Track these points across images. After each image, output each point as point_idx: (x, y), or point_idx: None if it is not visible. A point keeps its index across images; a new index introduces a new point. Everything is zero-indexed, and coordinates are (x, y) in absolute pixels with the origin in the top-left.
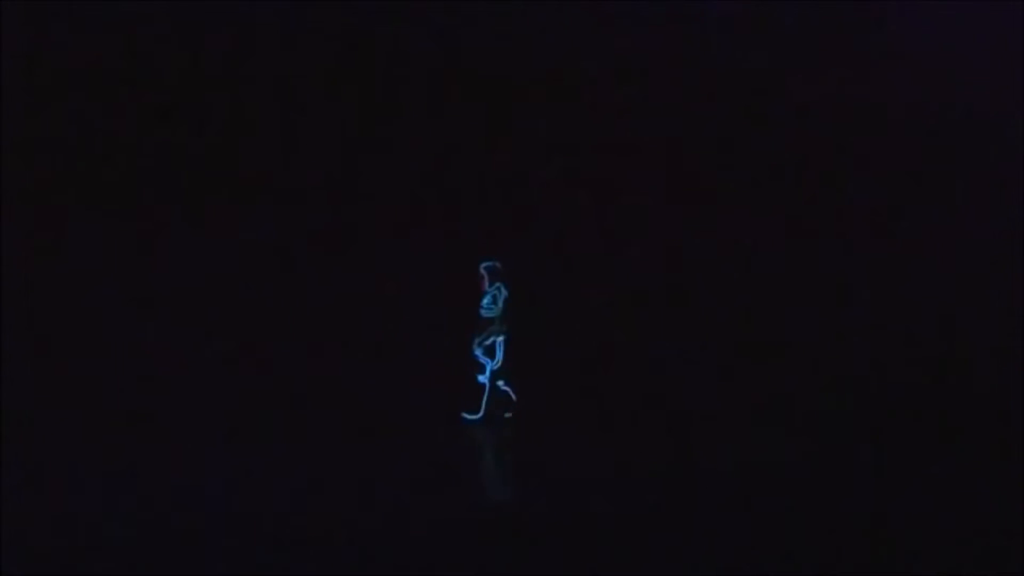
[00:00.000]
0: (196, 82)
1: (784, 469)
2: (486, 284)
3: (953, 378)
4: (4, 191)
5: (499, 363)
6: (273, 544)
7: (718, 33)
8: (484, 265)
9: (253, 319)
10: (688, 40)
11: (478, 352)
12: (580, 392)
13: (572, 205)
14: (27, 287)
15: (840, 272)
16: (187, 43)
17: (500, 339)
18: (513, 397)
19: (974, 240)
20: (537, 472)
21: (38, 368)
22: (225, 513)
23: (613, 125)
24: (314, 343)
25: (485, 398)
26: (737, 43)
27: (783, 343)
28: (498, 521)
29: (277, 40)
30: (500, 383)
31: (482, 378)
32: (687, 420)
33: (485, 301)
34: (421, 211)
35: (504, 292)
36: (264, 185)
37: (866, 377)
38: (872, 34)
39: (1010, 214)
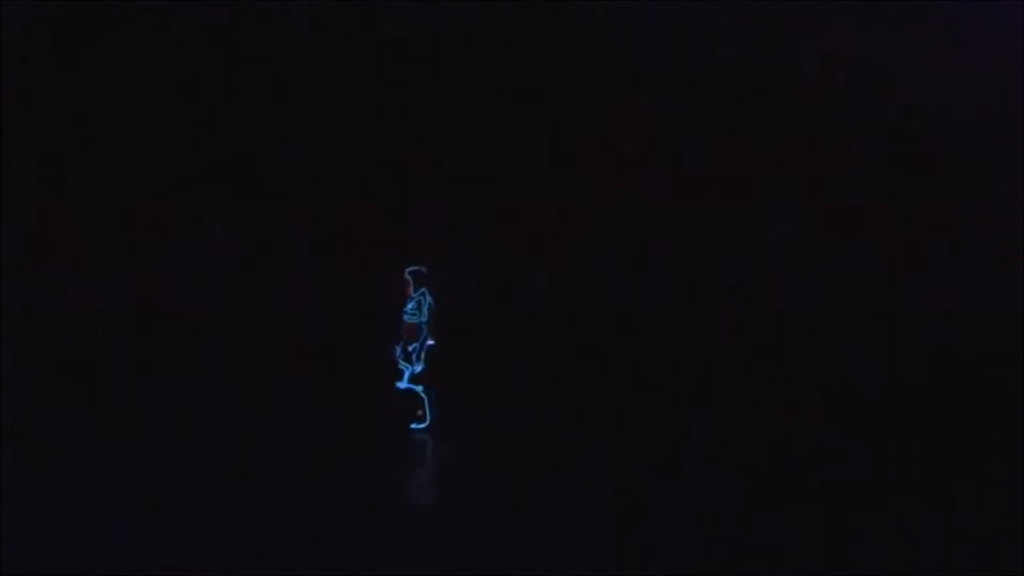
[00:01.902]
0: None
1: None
2: (411, 289)
3: (953, 378)
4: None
5: (420, 369)
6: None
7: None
8: (409, 270)
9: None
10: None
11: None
12: (507, 396)
13: (497, 208)
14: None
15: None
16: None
17: (424, 345)
18: (426, 404)
19: (974, 240)
20: (465, 477)
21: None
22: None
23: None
24: (238, 346)
25: (427, 404)
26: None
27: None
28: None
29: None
30: (419, 389)
31: (403, 384)
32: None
33: (409, 306)
34: (344, 215)
35: (428, 298)
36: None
37: (859, 378)
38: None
39: (1010, 214)
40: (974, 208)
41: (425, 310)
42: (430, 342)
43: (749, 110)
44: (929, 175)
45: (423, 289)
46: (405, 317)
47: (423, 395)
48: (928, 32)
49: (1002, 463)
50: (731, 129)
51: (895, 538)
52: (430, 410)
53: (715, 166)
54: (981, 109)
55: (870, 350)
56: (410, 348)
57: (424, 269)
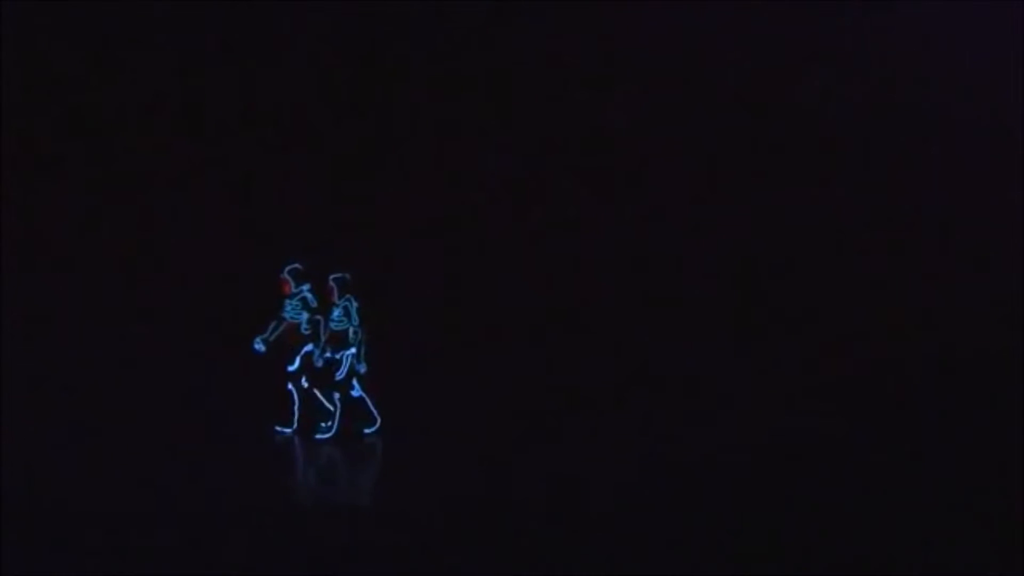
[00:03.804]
0: None
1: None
2: (336, 296)
3: (952, 378)
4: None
5: (344, 376)
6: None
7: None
8: (333, 277)
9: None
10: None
11: (318, 364)
12: (432, 402)
13: (421, 214)
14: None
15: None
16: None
17: (349, 352)
18: (333, 410)
19: (974, 240)
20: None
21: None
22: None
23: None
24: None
25: (337, 412)
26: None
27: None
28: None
29: None
30: (337, 396)
31: (356, 392)
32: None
33: (335, 314)
34: (267, 221)
35: (354, 304)
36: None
37: (857, 378)
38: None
39: (1010, 214)
40: (974, 208)
41: (354, 316)
42: (349, 350)
43: (748, 109)
44: (929, 175)
45: (348, 296)
46: (332, 325)
47: (338, 401)
48: (928, 32)
49: (1002, 463)
50: (727, 128)
51: (894, 538)
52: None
53: (707, 164)
54: (981, 109)
55: (869, 349)
56: (338, 355)
57: (348, 276)
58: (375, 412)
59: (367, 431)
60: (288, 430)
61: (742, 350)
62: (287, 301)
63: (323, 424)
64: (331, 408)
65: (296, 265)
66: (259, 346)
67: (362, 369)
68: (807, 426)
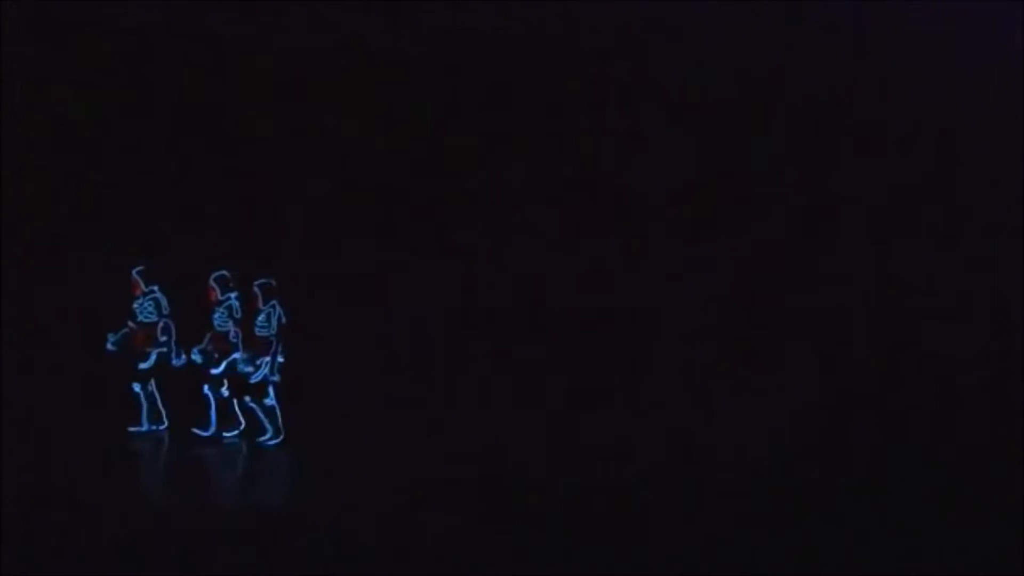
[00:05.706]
0: None
1: None
2: (260, 302)
3: (952, 378)
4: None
5: (256, 382)
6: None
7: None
8: (258, 283)
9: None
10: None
11: (245, 369)
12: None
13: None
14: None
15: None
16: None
17: (274, 359)
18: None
19: (974, 240)
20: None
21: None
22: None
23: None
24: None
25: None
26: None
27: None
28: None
29: None
30: (270, 401)
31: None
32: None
33: (259, 319)
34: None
35: (278, 310)
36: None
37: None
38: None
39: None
40: (974, 208)
41: (275, 323)
42: (280, 358)
43: (746, 109)
44: (929, 175)
45: (273, 301)
46: (256, 331)
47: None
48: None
49: (1002, 463)
50: (723, 128)
51: (894, 539)
52: (281, 424)
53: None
54: (981, 108)
55: (868, 350)
56: (259, 361)
57: (273, 282)
58: (280, 424)
59: (265, 441)
60: (205, 433)
61: (739, 353)
62: (215, 309)
63: (229, 431)
64: (240, 418)
65: (223, 272)
66: (195, 357)
67: (275, 378)
68: (806, 427)
